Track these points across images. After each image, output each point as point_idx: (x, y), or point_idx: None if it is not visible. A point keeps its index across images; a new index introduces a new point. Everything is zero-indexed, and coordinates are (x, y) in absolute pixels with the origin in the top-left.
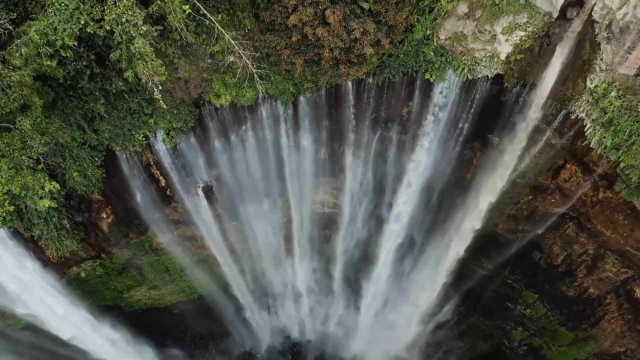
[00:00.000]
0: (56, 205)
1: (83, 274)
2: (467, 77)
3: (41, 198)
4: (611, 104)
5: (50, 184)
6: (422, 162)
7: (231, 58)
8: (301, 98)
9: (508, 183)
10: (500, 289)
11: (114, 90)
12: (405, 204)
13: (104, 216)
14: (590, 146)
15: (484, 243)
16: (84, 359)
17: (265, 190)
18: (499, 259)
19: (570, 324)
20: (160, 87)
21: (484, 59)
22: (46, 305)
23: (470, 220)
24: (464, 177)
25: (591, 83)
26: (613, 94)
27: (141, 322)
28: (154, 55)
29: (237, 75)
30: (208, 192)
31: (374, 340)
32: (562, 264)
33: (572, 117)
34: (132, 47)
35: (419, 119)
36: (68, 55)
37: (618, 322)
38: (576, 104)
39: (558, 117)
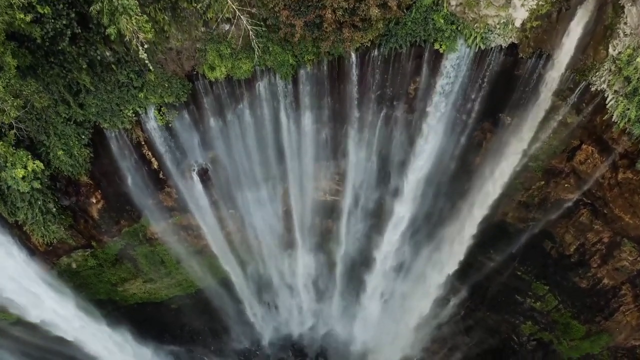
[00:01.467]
0: (40, 187)
1: (74, 265)
2: (480, 47)
3: (15, 168)
4: (636, 72)
5: (34, 163)
6: (429, 145)
7: (227, 26)
8: (301, 72)
9: (519, 167)
10: (509, 281)
11: (98, 57)
12: (411, 189)
13: (94, 201)
14: (612, 120)
15: (493, 233)
16: (78, 355)
17: (264, 175)
18: (508, 250)
19: (582, 317)
20: (145, 46)
21: (498, 27)
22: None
23: (478, 208)
24: (472, 162)
25: (614, 50)
26: (639, 59)
27: (137, 318)
28: (139, 10)
29: (230, 36)
30: (203, 175)
31: (378, 334)
32: (574, 254)
33: (592, 89)
34: (114, 0)
35: (427, 96)
36: (45, 12)
37: (634, 314)
38: (597, 74)
39: (576, 91)
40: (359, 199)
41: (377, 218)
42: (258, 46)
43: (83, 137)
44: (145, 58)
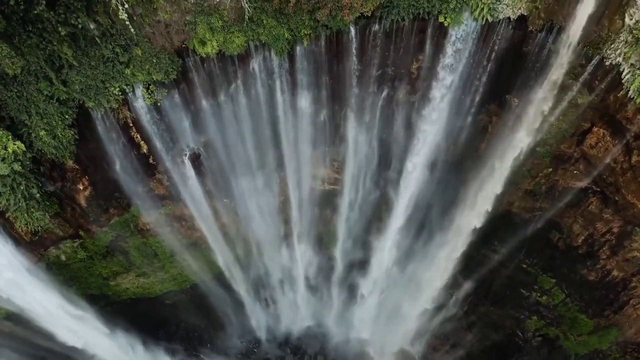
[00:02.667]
0: (21, 169)
1: (63, 257)
2: (487, 19)
3: None
4: None
5: (14, 144)
6: (432, 128)
7: None
8: (298, 49)
9: (526, 153)
10: (514, 275)
11: (80, 26)
12: (412, 177)
13: (81, 187)
14: (628, 96)
15: (498, 224)
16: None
17: (259, 161)
18: (513, 242)
19: (590, 311)
20: (126, 6)
21: None
22: None
23: (483, 198)
24: (477, 147)
25: (630, 19)
26: None
27: (130, 313)
28: None
29: (222, 8)
30: (195, 161)
31: (377, 332)
32: (582, 245)
33: (606, 63)
34: None
35: (430, 76)
36: None
37: None
38: (612, 46)
39: (589, 67)
40: (358, 187)
41: (378, 207)
42: (248, 6)
43: (67, 116)
44: (126, 19)
